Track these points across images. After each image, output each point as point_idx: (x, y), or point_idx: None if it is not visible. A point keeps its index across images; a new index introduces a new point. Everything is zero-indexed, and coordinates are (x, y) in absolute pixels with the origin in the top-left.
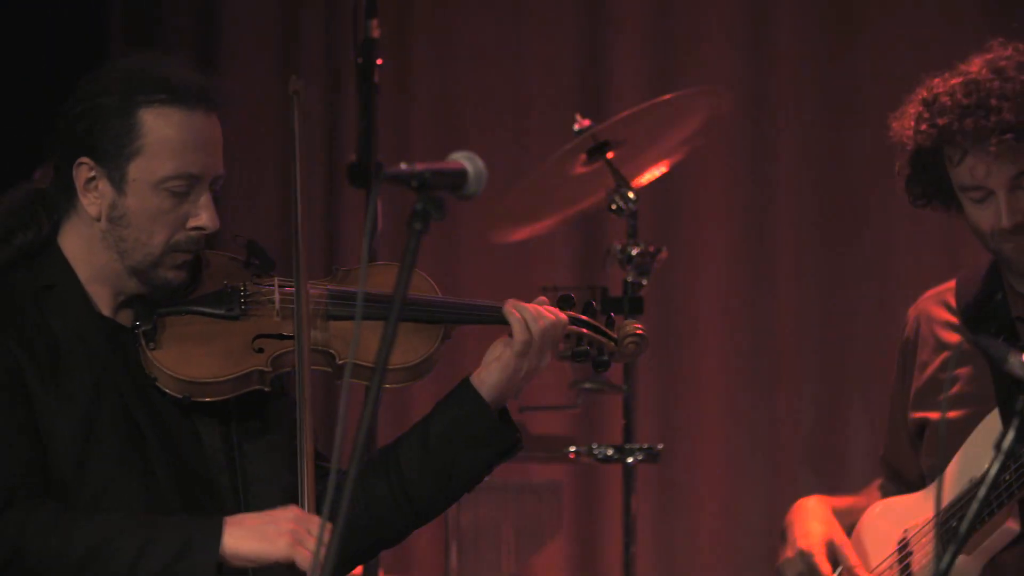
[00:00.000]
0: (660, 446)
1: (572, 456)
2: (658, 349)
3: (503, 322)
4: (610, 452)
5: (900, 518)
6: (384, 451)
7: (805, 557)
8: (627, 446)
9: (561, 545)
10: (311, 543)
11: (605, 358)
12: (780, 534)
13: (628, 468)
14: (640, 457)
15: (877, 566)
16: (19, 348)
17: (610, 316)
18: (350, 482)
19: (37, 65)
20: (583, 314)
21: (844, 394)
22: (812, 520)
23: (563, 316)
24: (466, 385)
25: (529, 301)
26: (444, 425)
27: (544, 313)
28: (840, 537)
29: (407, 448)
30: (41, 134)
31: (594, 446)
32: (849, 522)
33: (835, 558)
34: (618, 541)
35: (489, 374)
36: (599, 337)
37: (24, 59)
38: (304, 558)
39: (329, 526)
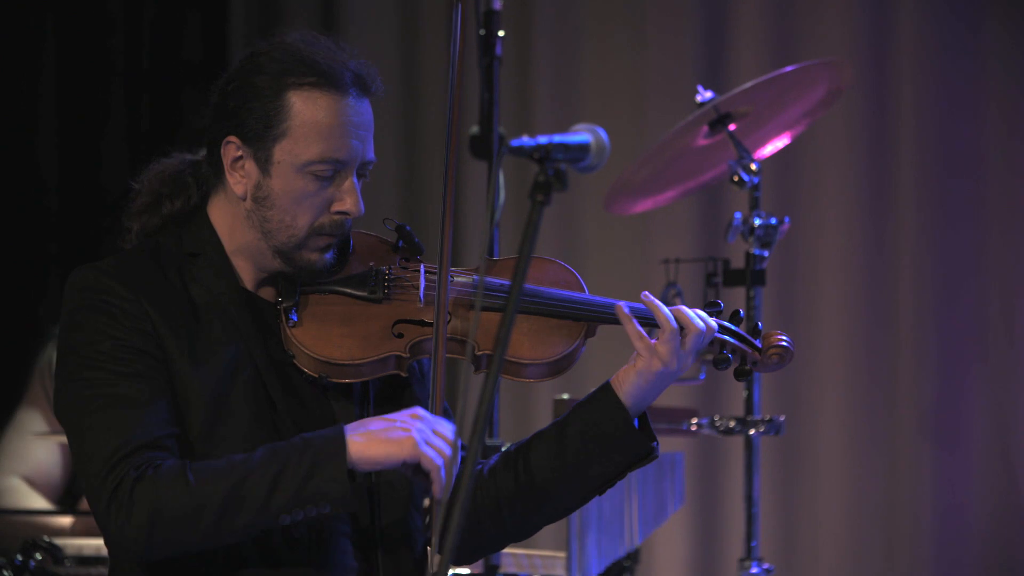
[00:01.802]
0: (782, 418)
1: (694, 429)
2: (779, 320)
3: (648, 324)
4: (732, 424)
5: None
6: (518, 447)
7: None
8: (749, 418)
9: (683, 517)
10: (439, 443)
11: (747, 367)
12: None
13: (750, 440)
14: (763, 429)
15: None
16: (157, 313)
17: (756, 325)
18: (468, 469)
19: (162, 42)
20: (729, 321)
21: (964, 368)
22: None
23: (711, 323)
24: (606, 387)
25: (650, 273)
26: (580, 426)
27: (689, 319)
28: None
29: (541, 445)
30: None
31: (716, 418)
32: None
33: None
34: (740, 513)
35: (628, 377)
36: (743, 347)
37: (146, 33)
38: (429, 460)
39: (455, 428)
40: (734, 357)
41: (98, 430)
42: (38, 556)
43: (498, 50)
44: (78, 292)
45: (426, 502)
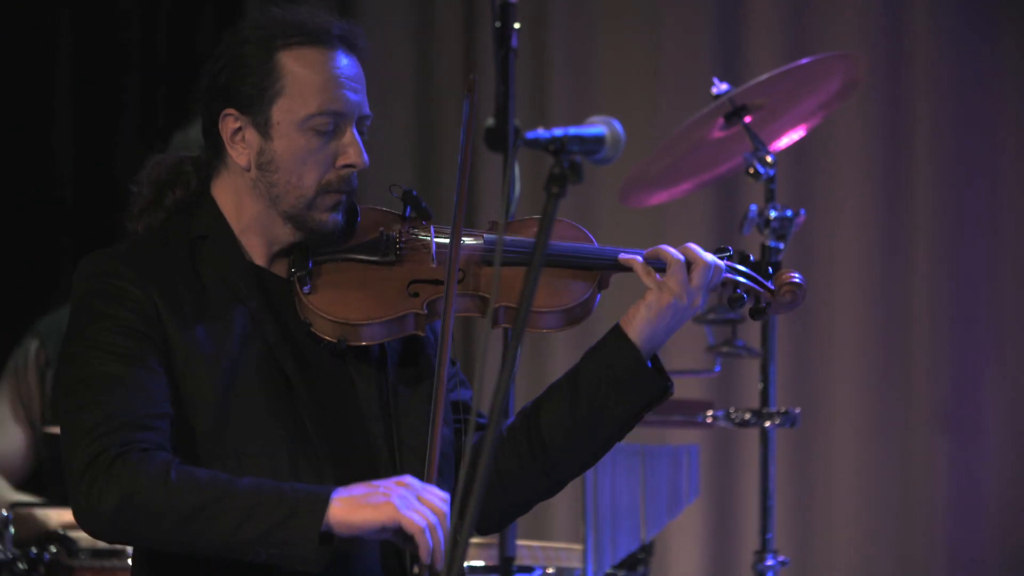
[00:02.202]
0: (798, 410)
1: (710, 421)
2: (795, 313)
3: (657, 267)
4: (747, 416)
5: None
6: (534, 403)
7: None
8: (765, 410)
9: (698, 510)
10: (422, 508)
11: (762, 306)
12: None
13: (765, 432)
14: (778, 421)
15: None
16: (162, 300)
17: (767, 268)
18: (490, 435)
19: (178, 35)
20: (739, 263)
21: (979, 359)
22: None
23: (719, 262)
24: (616, 329)
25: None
26: (592, 370)
27: (696, 253)
28: None
29: (556, 397)
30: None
31: (732, 410)
32: None
33: None
34: (755, 505)
35: (638, 312)
36: (755, 286)
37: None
38: (410, 522)
39: (446, 496)
40: (748, 297)
41: (86, 406)
42: (52, 549)
43: (514, 42)
44: (86, 277)
45: (415, 569)
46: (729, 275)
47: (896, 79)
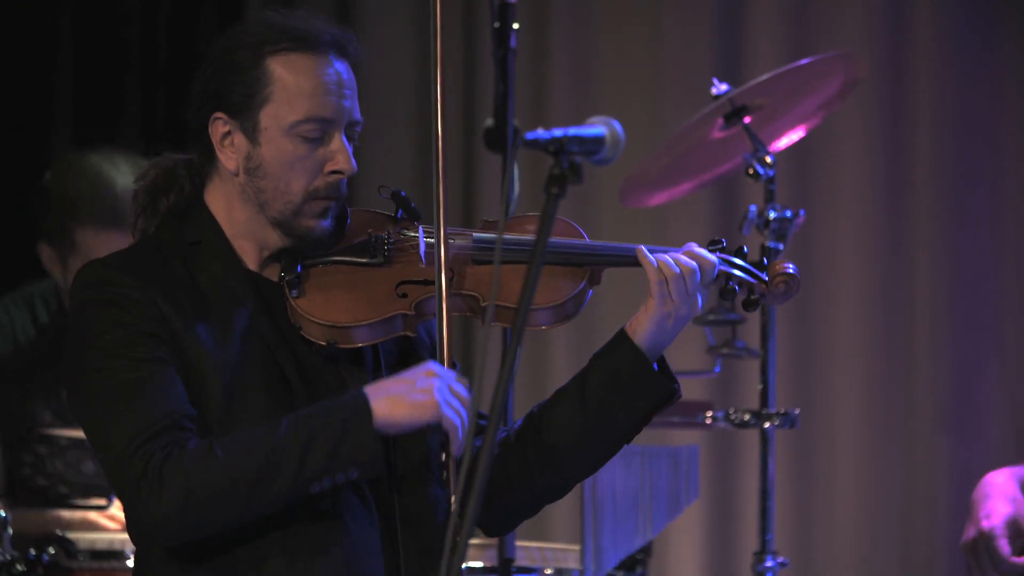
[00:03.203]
0: (797, 411)
1: (709, 422)
2: (795, 313)
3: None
4: (747, 417)
5: None
6: (541, 407)
7: (985, 539)
8: (764, 411)
9: (698, 510)
10: (456, 403)
11: (755, 297)
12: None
13: (765, 433)
14: (778, 422)
15: None
16: (164, 300)
17: (761, 259)
18: (490, 431)
19: (178, 35)
20: (733, 255)
21: (980, 359)
22: (996, 498)
23: (710, 258)
24: (621, 335)
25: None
26: (600, 376)
27: (684, 256)
28: None
29: (564, 401)
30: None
31: (731, 411)
32: None
33: (1018, 537)
34: (754, 506)
35: (640, 322)
36: (748, 278)
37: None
38: (450, 421)
39: (466, 382)
40: (740, 289)
41: (119, 416)
42: (51, 550)
43: (512, 42)
44: (84, 287)
45: (442, 456)
46: (723, 267)
47: (896, 79)
